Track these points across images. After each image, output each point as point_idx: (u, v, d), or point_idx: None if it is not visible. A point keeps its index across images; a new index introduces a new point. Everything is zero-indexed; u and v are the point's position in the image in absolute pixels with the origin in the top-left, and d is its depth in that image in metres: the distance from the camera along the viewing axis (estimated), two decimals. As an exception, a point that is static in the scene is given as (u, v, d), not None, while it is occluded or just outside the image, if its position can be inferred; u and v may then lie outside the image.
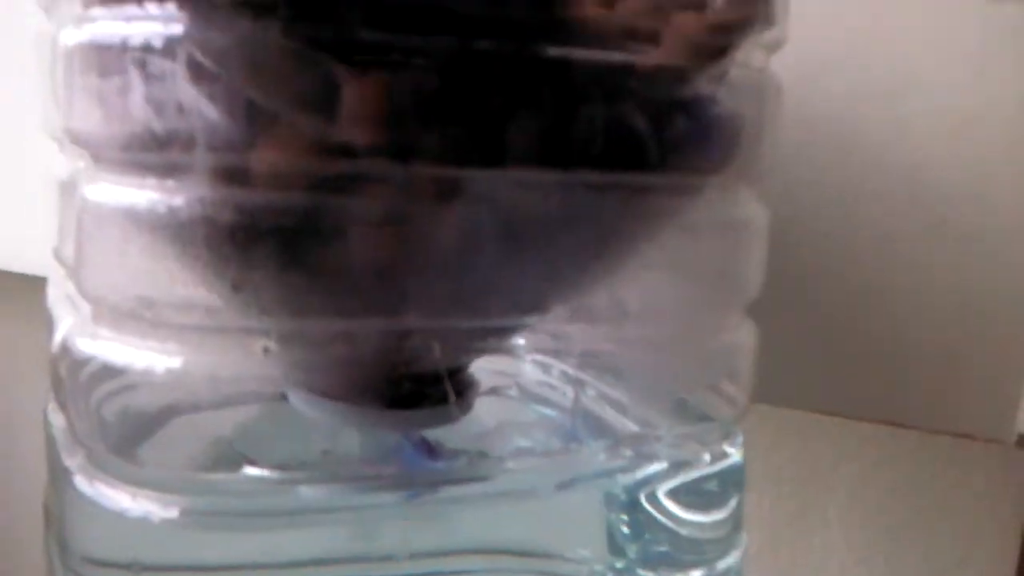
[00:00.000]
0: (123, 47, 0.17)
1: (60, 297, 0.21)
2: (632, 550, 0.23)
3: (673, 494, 0.23)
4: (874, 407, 0.31)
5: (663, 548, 0.23)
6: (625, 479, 0.22)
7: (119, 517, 0.19)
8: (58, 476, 0.21)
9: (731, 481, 0.23)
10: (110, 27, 0.17)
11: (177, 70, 0.16)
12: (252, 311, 0.17)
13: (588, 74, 0.19)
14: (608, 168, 0.19)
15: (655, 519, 0.23)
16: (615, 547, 0.23)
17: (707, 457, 0.22)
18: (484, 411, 0.23)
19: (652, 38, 0.19)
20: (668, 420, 0.23)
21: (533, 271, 0.19)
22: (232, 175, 0.17)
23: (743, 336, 0.22)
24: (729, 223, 0.21)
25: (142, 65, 0.16)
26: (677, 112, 0.20)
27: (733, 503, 0.24)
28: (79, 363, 0.19)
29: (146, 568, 0.19)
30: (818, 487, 0.38)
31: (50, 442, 0.22)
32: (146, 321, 0.17)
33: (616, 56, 0.19)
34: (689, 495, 0.23)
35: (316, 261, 0.17)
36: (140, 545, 0.19)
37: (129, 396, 0.19)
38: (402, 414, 0.21)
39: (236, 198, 0.16)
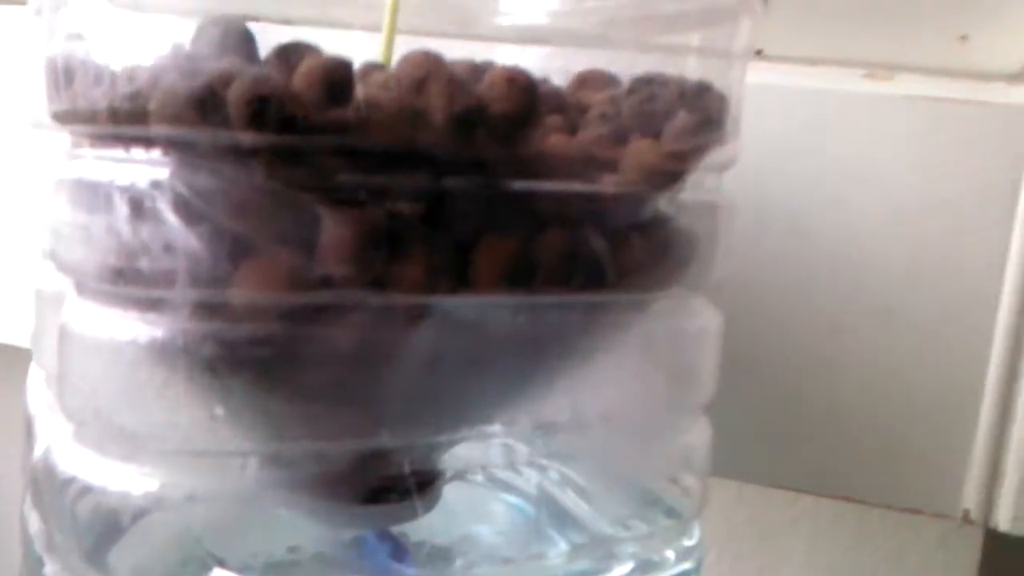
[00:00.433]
0: (109, 187, 0.17)
1: (41, 404, 0.22)
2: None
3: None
4: (826, 482, 0.32)
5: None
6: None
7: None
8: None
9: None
10: (97, 167, 0.18)
11: (162, 210, 0.17)
12: (231, 436, 0.18)
13: (551, 203, 0.20)
14: (569, 289, 0.20)
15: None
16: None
17: (671, 556, 0.23)
18: (451, 498, 0.24)
19: (610, 166, 0.20)
20: (631, 510, 0.24)
21: (499, 386, 0.20)
22: (212, 309, 0.17)
23: (699, 434, 0.23)
24: (684, 333, 0.22)
25: (128, 204, 0.17)
26: (634, 233, 0.21)
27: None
28: (59, 476, 0.20)
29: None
30: (776, 547, 0.39)
31: (26, 540, 0.23)
32: (126, 444, 0.18)
33: (577, 185, 0.20)
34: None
35: (293, 388, 0.18)
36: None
37: (102, 497, 0.20)
38: (369, 510, 0.22)
39: (216, 331, 0.17)
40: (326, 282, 0.18)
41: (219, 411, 0.17)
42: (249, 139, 0.17)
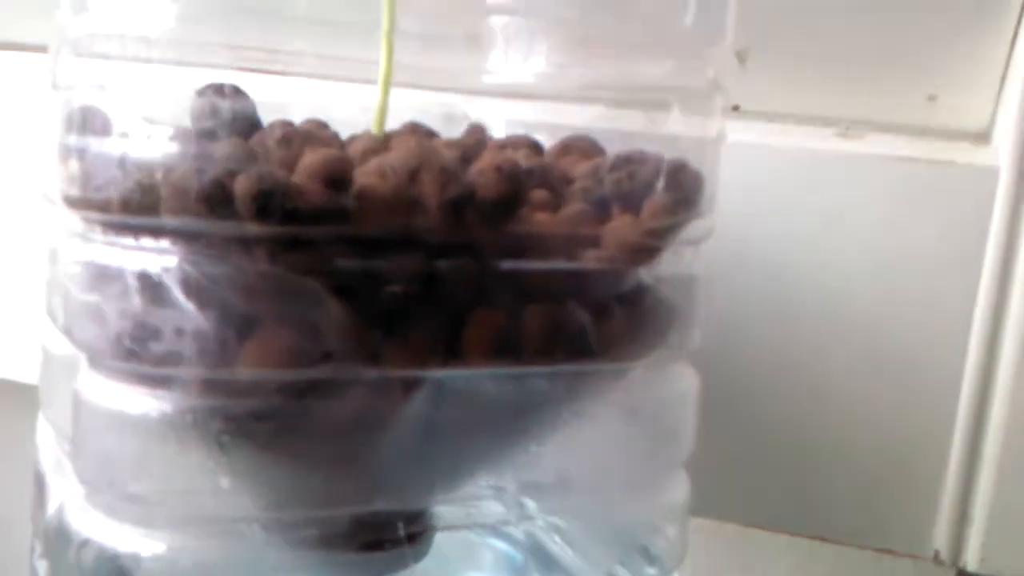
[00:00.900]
0: (121, 271, 0.19)
1: (53, 461, 0.23)
2: None
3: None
4: (803, 523, 0.34)
5: None
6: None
7: None
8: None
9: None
10: (109, 252, 0.19)
11: (172, 294, 0.18)
12: (237, 503, 0.19)
13: (536, 279, 0.21)
14: (554, 360, 0.21)
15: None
16: None
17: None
18: (442, 544, 0.25)
19: (593, 243, 0.22)
20: (616, 557, 0.25)
21: (487, 451, 0.21)
22: (219, 386, 0.19)
23: (680, 488, 0.25)
24: (665, 396, 0.23)
25: (139, 289, 0.18)
26: (615, 305, 0.22)
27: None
28: (71, 535, 0.21)
29: None
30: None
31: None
32: (138, 510, 0.19)
33: (561, 262, 0.21)
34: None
35: (294, 459, 0.19)
36: None
37: (113, 557, 0.21)
38: (363, 558, 0.23)
39: (223, 407, 0.19)
40: (326, 359, 0.19)
41: (225, 482, 0.18)
42: (255, 230, 0.18)
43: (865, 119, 0.33)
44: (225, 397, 0.19)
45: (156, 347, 0.18)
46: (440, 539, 0.25)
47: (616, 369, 0.22)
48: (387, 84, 0.25)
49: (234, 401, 0.19)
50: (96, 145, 0.19)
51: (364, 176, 0.20)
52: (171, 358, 0.18)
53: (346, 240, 0.19)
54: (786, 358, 0.32)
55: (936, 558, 0.32)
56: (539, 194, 0.23)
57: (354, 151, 0.21)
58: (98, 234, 0.19)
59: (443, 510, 0.24)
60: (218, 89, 0.24)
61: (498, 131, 0.30)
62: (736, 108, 0.35)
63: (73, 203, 0.19)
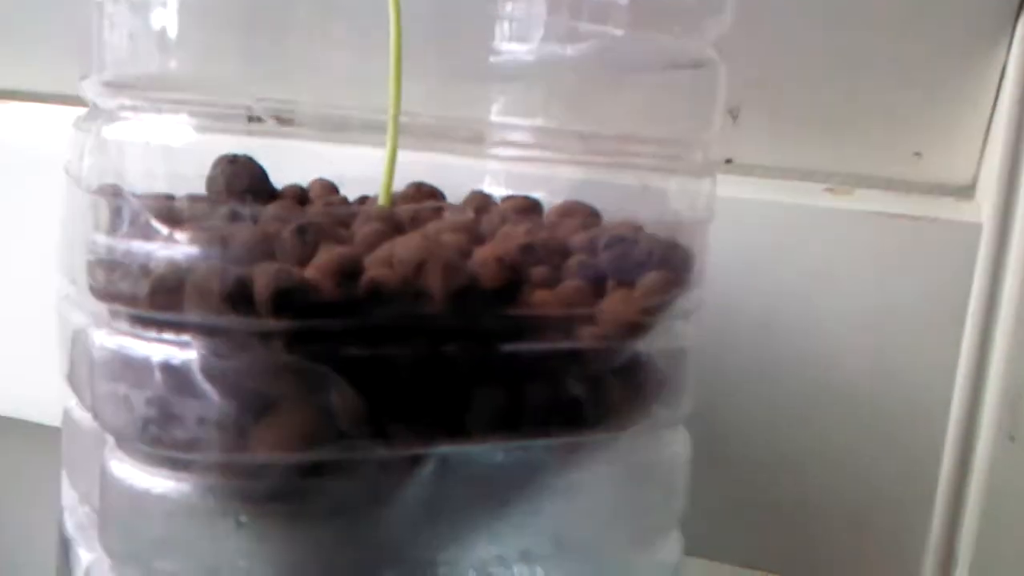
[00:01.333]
0: (146, 362, 0.20)
1: (76, 524, 0.24)
2: None
3: None
4: (794, 563, 0.35)
5: None
6: None
7: None
8: None
9: None
10: (134, 343, 0.20)
11: (194, 384, 0.20)
12: (255, 576, 0.20)
13: (536, 357, 0.22)
14: (552, 433, 0.22)
15: None
16: None
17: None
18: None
19: (589, 320, 0.23)
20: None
21: (487, 519, 0.23)
22: (238, 468, 0.20)
23: (673, 545, 0.26)
24: (658, 461, 0.25)
25: (162, 379, 0.20)
26: (610, 377, 0.23)
27: None
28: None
29: None
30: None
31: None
32: (162, 582, 0.20)
33: (558, 342, 0.22)
34: None
35: (308, 535, 0.20)
36: None
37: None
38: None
39: (242, 488, 0.20)
40: (338, 439, 0.20)
41: (243, 561, 0.20)
42: (273, 325, 0.19)
43: (853, 173, 0.35)
44: (243, 478, 0.20)
45: (179, 433, 0.20)
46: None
47: (610, 437, 0.23)
48: (393, 155, 0.26)
49: (252, 482, 0.20)
50: (122, 243, 0.20)
51: (374, 267, 0.21)
52: (193, 443, 0.20)
53: (357, 328, 0.20)
54: (776, 408, 0.34)
55: (922, 598, 0.34)
56: (538, 271, 0.24)
57: (363, 236, 0.22)
58: (124, 323, 0.20)
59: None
60: (232, 160, 0.26)
61: (502, 180, 0.32)
62: (729, 161, 0.36)
63: (99, 295, 0.21)
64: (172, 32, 0.21)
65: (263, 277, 0.19)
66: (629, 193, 0.29)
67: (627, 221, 0.27)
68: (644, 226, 0.26)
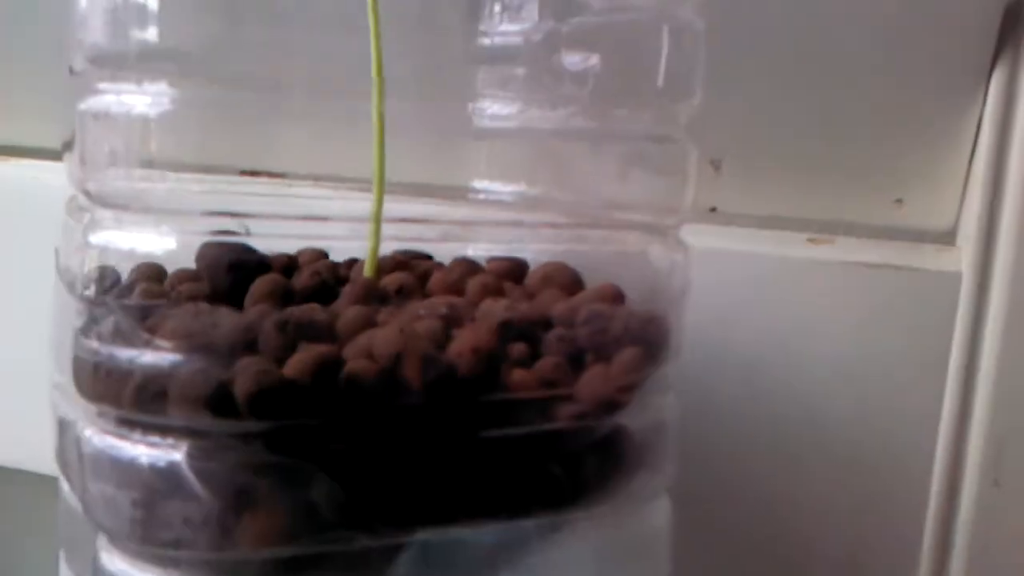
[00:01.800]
0: (131, 459, 0.20)
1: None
2: None
3: None
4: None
5: None
6: None
7: None
8: None
9: None
10: (119, 443, 0.21)
11: (179, 485, 0.20)
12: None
13: (515, 442, 0.23)
14: (533, 513, 0.23)
15: None
16: None
17: None
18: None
19: (567, 398, 0.23)
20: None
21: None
22: (225, 564, 0.20)
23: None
24: (639, 532, 0.25)
25: (148, 480, 0.20)
26: (590, 456, 0.24)
27: None
28: None
29: None
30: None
31: None
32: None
33: (537, 425, 0.23)
34: None
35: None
36: None
37: None
38: None
39: (229, 583, 0.20)
40: (321, 532, 0.21)
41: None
42: (254, 426, 0.20)
43: (835, 220, 0.35)
44: (231, 574, 0.20)
45: (167, 533, 0.20)
46: None
47: (588, 512, 0.24)
48: (377, 223, 0.27)
49: (238, 576, 0.20)
50: (105, 347, 0.20)
51: (353, 359, 0.21)
52: (181, 541, 0.20)
53: (337, 421, 0.21)
54: (760, 458, 0.34)
55: (913, 640, 0.34)
56: (517, 347, 0.24)
57: (344, 323, 0.23)
58: (110, 423, 0.21)
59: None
60: (219, 244, 0.26)
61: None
62: (713, 210, 0.36)
63: (86, 395, 0.21)
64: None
65: (243, 381, 0.20)
66: (609, 256, 0.29)
67: (608, 287, 0.27)
68: (625, 291, 0.27)
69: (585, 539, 0.24)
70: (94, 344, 0.21)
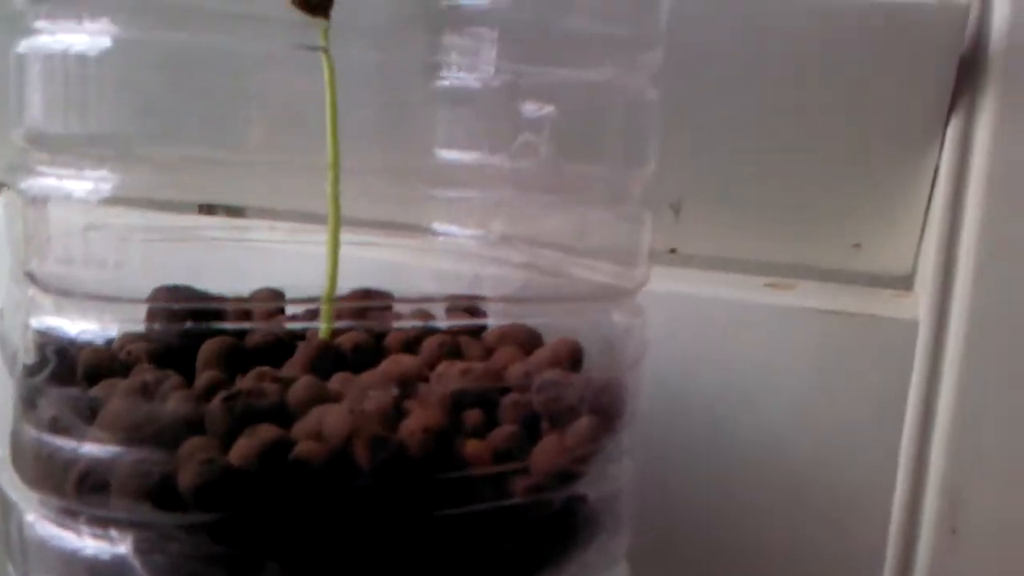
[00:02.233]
0: (73, 553, 0.20)
1: None
2: None
3: None
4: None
5: None
6: None
7: None
8: None
9: None
10: (62, 533, 0.20)
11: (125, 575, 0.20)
12: None
13: (468, 519, 0.22)
14: (489, 588, 0.23)
15: None
16: None
17: None
18: None
19: (522, 471, 0.23)
20: None
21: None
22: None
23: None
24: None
25: (90, 571, 0.20)
26: (545, 528, 0.23)
27: None
28: None
29: None
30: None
31: None
32: None
33: (491, 499, 0.23)
34: None
35: None
36: None
37: None
38: None
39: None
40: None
41: None
42: (200, 518, 0.19)
43: (795, 264, 0.35)
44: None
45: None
46: None
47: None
48: (334, 271, 0.27)
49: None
50: (46, 436, 0.20)
51: (303, 441, 0.21)
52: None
53: (285, 511, 0.20)
54: (718, 503, 0.34)
55: None
56: (471, 415, 0.24)
57: (294, 395, 0.23)
58: (53, 512, 0.20)
59: None
60: (172, 290, 0.26)
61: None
62: (673, 251, 0.36)
63: (28, 484, 0.21)
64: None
65: (187, 472, 0.19)
66: (569, 311, 0.29)
67: (564, 347, 0.27)
68: (584, 350, 0.26)
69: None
70: (33, 432, 0.20)
